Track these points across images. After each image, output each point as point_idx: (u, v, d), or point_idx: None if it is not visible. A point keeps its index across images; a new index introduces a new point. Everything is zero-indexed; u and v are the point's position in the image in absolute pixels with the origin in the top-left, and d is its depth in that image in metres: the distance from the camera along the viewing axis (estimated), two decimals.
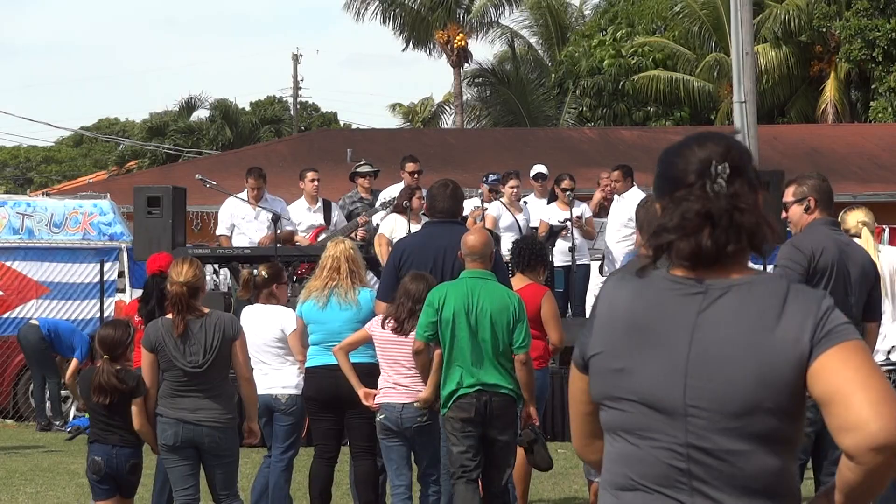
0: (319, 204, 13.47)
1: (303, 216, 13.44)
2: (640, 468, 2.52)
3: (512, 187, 13.08)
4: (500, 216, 12.62)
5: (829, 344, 2.44)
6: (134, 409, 7.04)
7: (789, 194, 6.59)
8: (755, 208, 2.54)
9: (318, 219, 13.39)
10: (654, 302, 2.56)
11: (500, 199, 12.75)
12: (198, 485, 7.02)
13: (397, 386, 7.49)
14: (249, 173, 13.48)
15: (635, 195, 13.01)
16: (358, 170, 13.77)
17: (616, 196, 13.37)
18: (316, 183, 13.43)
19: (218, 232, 13.65)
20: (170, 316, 6.89)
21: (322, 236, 12.90)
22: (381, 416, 7.52)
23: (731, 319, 2.49)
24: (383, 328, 7.54)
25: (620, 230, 12.91)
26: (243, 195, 13.37)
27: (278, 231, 13.32)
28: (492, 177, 13.43)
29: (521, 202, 14.26)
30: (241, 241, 13.23)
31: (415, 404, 7.39)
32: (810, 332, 2.46)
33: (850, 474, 2.41)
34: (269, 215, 13.07)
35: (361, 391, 7.67)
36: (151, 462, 7.68)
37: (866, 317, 6.47)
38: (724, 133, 2.66)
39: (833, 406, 2.41)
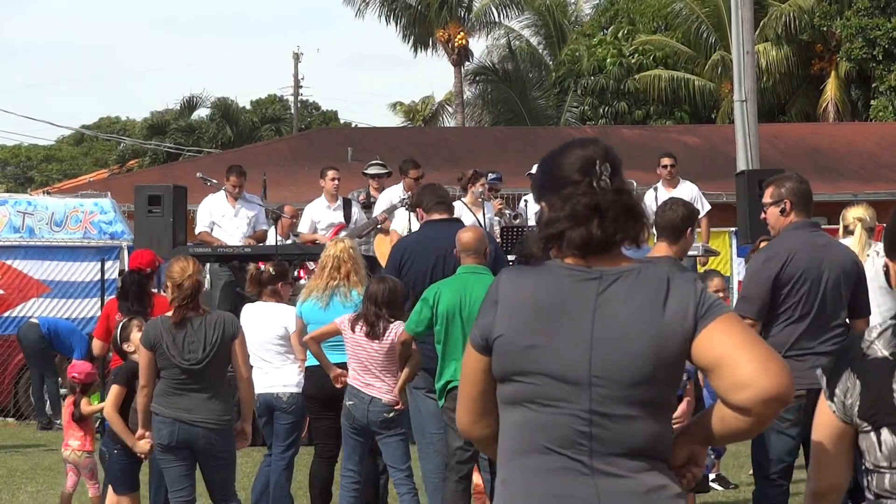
0: (339, 202, 13.50)
1: (322, 214, 13.45)
2: (545, 432, 2.80)
3: (482, 185, 13.12)
4: (460, 215, 12.60)
5: (710, 318, 2.81)
6: (108, 396, 7.13)
7: (767, 196, 6.62)
8: (637, 201, 2.89)
9: (338, 217, 13.42)
10: (556, 287, 2.85)
11: (462, 198, 12.75)
12: (193, 486, 6.99)
13: (367, 386, 7.52)
14: (231, 171, 13.52)
15: (687, 188, 13.16)
16: (367, 171, 13.89)
17: (665, 191, 13.48)
18: (336, 182, 13.48)
19: (197, 230, 13.63)
20: (169, 314, 6.88)
21: (342, 234, 12.90)
22: (350, 402, 7.56)
23: (625, 301, 2.82)
24: (353, 332, 7.55)
25: None
26: (221, 193, 13.44)
27: (278, 227, 13.35)
28: (491, 175, 13.49)
29: (523, 201, 14.25)
30: (221, 238, 13.26)
31: (384, 400, 7.45)
32: (693, 310, 2.81)
33: (740, 423, 2.77)
34: (249, 213, 13.24)
35: (333, 372, 7.73)
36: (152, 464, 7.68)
37: (853, 314, 6.47)
38: (594, 137, 2.97)
39: (722, 369, 2.76)
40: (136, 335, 7.31)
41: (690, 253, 12.86)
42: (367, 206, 13.70)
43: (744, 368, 2.73)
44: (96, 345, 9.24)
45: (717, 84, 34.52)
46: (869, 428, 2.90)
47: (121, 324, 7.61)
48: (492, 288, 2.94)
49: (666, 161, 13.69)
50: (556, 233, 2.85)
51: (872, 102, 33.42)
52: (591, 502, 2.77)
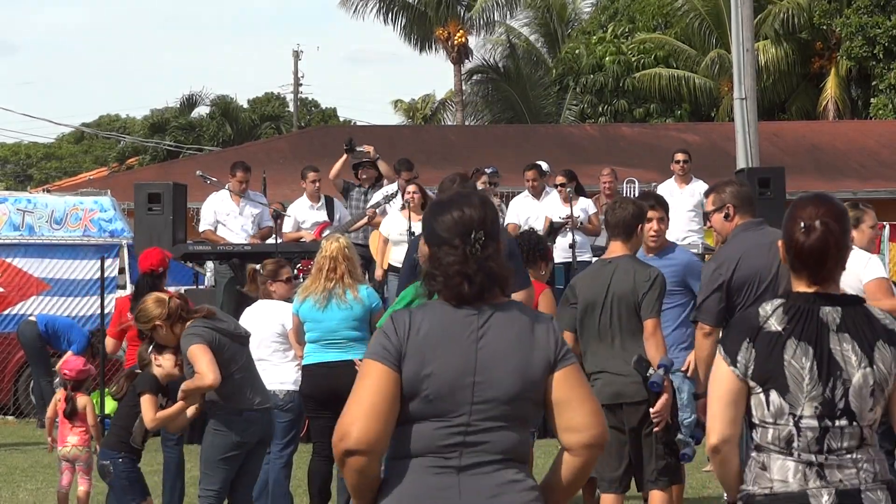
0: (322, 201, 13.54)
1: (306, 214, 13.50)
2: (428, 440, 3.33)
3: (483, 183, 13.19)
4: None
5: (565, 363, 3.39)
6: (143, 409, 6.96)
7: (709, 204, 6.69)
8: (501, 263, 3.42)
9: (322, 216, 13.46)
10: (445, 323, 3.39)
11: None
12: None
13: None
14: (236, 167, 13.47)
15: (699, 186, 13.20)
16: (357, 162, 14.08)
17: (677, 186, 13.51)
18: (317, 184, 13.57)
19: (201, 228, 13.59)
20: (190, 323, 6.82)
21: (326, 232, 12.94)
22: None
23: (501, 333, 3.38)
24: None
25: (689, 223, 13.24)
26: (225, 192, 13.39)
27: (279, 226, 13.37)
28: (489, 169, 13.77)
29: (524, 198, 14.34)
30: (226, 236, 13.25)
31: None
32: (554, 348, 3.40)
33: (568, 465, 3.36)
34: (253, 211, 13.23)
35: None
36: (152, 462, 7.66)
37: None
38: (479, 196, 3.50)
39: (562, 411, 3.36)
40: (168, 356, 7.05)
41: (692, 251, 12.92)
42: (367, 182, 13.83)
43: (579, 416, 3.34)
44: (109, 342, 9.27)
45: (717, 82, 34.50)
46: (759, 389, 3.54)
47: (153, 345, 7.31)
48: (395, 322, 3.39)
49: (679, 157, 13.72)
50: (436, 289, 3.43)
51: (872, 101, 33.41)
52: (451, 496, 3.29)
